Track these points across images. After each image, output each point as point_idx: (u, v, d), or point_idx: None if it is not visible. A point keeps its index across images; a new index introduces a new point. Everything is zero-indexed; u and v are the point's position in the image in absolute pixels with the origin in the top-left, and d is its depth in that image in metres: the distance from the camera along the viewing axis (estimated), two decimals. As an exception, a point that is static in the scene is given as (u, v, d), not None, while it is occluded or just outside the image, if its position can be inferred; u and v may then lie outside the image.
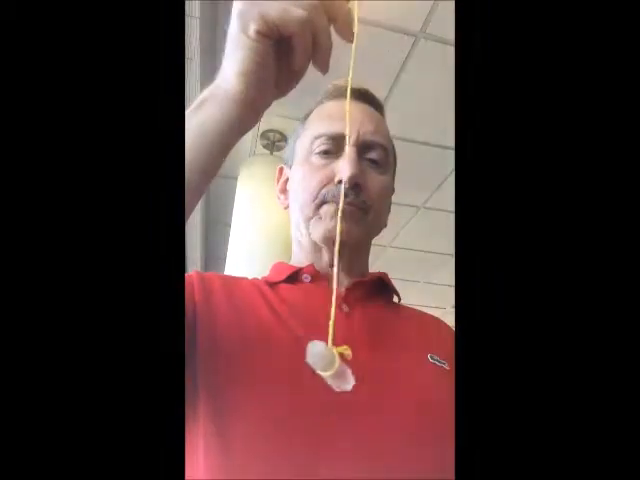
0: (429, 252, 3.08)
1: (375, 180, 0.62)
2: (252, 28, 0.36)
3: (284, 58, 0.39)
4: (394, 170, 0.70)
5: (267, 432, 0.47)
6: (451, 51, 1.75)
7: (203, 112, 0.40)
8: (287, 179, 0.69)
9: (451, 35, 1.72)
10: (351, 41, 0.39)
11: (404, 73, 1.88)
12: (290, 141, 0.71)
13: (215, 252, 3.14)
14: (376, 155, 0.62)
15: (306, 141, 0.65)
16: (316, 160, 0.62)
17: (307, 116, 0.69)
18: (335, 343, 0.32)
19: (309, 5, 0.36)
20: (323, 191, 0.60)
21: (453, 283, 0.31)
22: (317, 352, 0.32)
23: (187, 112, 0.41)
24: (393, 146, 0.70)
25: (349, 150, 0.60)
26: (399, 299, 0.67)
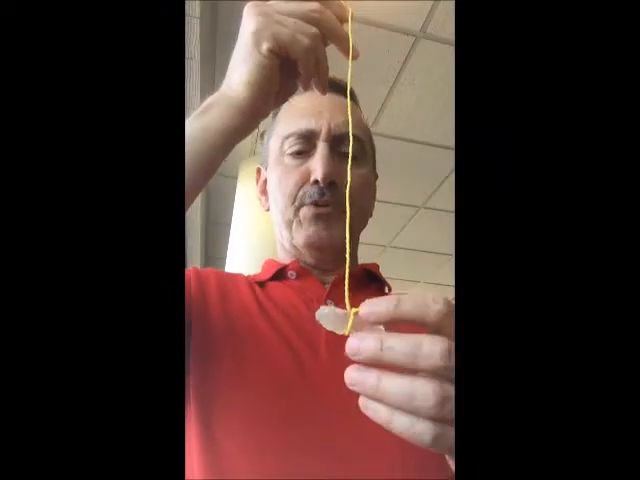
0: (429, 252, 3.08)
1: (352, 175, 0.61)
2: (265, 46, 0.41)
3: (286, 75, 0.44)
4: (373, 159, 0.68)
5: (256, 434, 0.47)
6: (451, 51, 1.76)
7: (208, 116, 0.42)
8: (265, 180, 0.68)
9: (451, 35, 1.72)
10: (353, 58, 0.44)
11: (404, 73, 1.88)
12: (264, 140, 0.70)
13: (215, 252, 3.14)
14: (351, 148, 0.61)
15: (277, 141, 0.63)
16: (289, 161, 0.61)
17: (276, 114, 0.67)
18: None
19: (313, 35, 0.42)
20: (300, 193, 0.59)
21: (453, 283, 0.31)
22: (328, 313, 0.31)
23: (192, 116, 0.43)
24: (369, 134, 0.68)
25: (321, 146, 0.59)
26: (389, 289, 0.66)
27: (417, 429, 0.27)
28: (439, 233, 2.75)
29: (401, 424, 0.28)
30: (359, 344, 0.29)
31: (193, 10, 1.49)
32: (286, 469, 0.45)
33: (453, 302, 0.30)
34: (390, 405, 0.28)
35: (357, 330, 0.30)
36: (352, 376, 0.29)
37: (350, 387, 0.29)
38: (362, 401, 0.29)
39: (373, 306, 0.30)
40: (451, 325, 0.29)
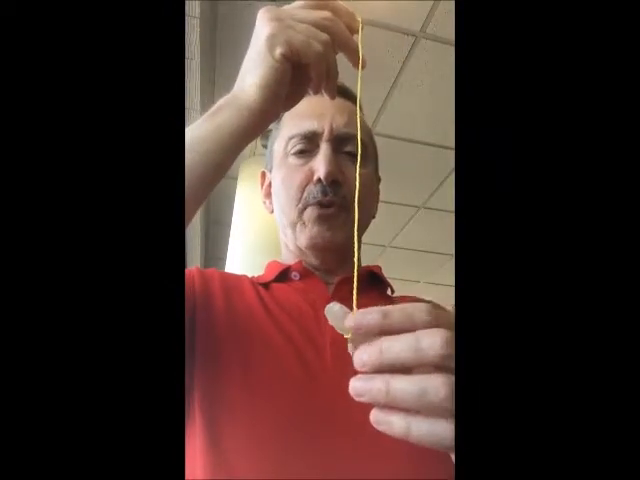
0: (429, 252, 3.08)
1: (355, 173, 0.61)
2: (278, 51, 0.41)
3: (296, 79, 0.45)
4: (376, 159, 0.69)
5: (261, 435, 0.47)
6: (451, 51, 1.76)
7: (219, 117, 0.43)
8: (270, 183, 0.69)
9: (451, 35, 1.72)
10: (362, 67, 0.46)
11: (404, 73, 1.88)
12: (268, 145, 0.71)
13: (215, 252, 3.14)
14: (353, 148, 0.61)
15: (281, 143, 0.64)
16: (293, 161, 0.62)
17: (280, 118, 0.68)
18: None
19: (325, 42, 0.43)
20: (304, 194, 0.60)
21: (453, 283, 0.31)
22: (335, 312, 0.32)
23: (204, 116, 0.44)
24: (371, 135, 0.69)
25: (323, 146, 0.60)
26: (392, 291, 0.67)
27: (437, 432, 0.27)
28: (439, 233, 2.75)
29: (420, 430, 0.28)
30: (361, 357, 0.30)
31: (193, 10, 1.49)
32: (290, 470, 0.45)
33: (441, 310, 0.30)
34: (403, 406, 0.28)
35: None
36: (357, 386, 0.29)
37: (358, 399, 0.29)
38: (374, 416, 0.29)
39: (362, 319, 0.30)
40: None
